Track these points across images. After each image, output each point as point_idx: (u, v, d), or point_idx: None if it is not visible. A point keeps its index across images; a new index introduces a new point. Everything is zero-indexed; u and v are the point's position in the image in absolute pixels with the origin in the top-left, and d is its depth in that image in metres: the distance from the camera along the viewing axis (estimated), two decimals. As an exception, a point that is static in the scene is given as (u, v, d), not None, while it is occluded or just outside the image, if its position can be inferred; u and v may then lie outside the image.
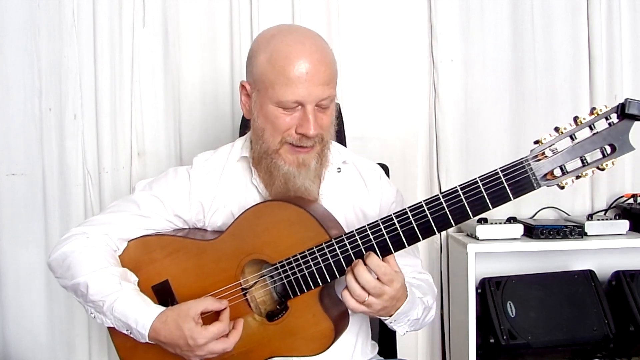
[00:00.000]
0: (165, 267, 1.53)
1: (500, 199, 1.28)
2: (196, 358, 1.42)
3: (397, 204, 1.65)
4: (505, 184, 1.26)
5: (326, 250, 1.38)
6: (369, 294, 1.33)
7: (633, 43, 2.61)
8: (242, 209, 1.47)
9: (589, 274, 2.42)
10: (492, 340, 2.31)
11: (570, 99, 2.56)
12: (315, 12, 2.46)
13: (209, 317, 1.43)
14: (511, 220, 2.44)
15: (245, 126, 1.76)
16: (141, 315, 1.41)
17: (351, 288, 1.34)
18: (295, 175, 1.49)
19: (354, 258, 1.37)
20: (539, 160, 1.25)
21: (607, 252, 2.48)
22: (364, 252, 1.36)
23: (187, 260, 1.51)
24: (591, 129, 1.23)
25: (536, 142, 1.26)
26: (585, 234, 2.38)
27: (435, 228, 1.32)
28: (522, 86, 2.57)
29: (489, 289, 2.36)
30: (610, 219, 2.44)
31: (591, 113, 1.23)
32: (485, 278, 2.39)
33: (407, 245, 1.35)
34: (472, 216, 1.30)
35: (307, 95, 1.42)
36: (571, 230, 2.35)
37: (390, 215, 1.35)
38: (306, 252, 1.40)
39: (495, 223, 2.39)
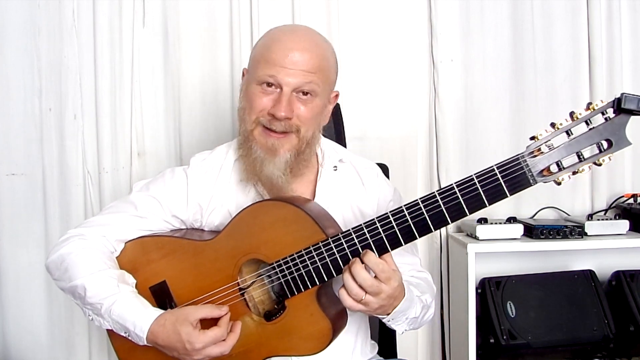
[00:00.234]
0: (162, 267, 1.53)
1: (496, 195, 1.27)
2: None
3: (394, 202, 1.65)
4: (501, 181, 1.26)
5: (323, 249, 1.38)
6: (366, 292, 1.33)
7: (633, 43, 2.61)
8: (240, 209, 1.47)
9: (589, 274, 2.42)
10: (492, 340, 2.30)
11: (570, 99, 2.55)
12: (315, 12, 2.46)
13: (208, 320, 1.44)
14: (511, 220, 2.43)
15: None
16: (139, 318, 1.41)
17: (348, 286, 1.33)
18: (263, 161, 1.50)
19: (350, 257, 1.36)
20: (535, 156, 1.25)
21: (607, 252, 2.47)
22: (361, 251, 1.35)
23: (184, 261, 1.51)
24: (587, 124, 1.23)
25: (532, 138, 1.25)
26: (585, 234, 2.37)
27: (431, 226, 1.32)
28: (522, 86, 2.57)
29: (489, 289, 2.36)
30: (610, 219, 2.43)
31: (587, 108, 1.22)
32: (485, 278, 2.38)
33: (403, 243, 1.35)
34: (468, 213, 1.29)
35: (285, 75, 1.46)
36: (571, 230, 2.35)
37: (387, 213, 1.35)
38: (303, 252, 1.40)
39: (495, 223, 2.39)
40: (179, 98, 2.46)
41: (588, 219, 2.42)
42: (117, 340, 1.51)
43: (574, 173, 1.25)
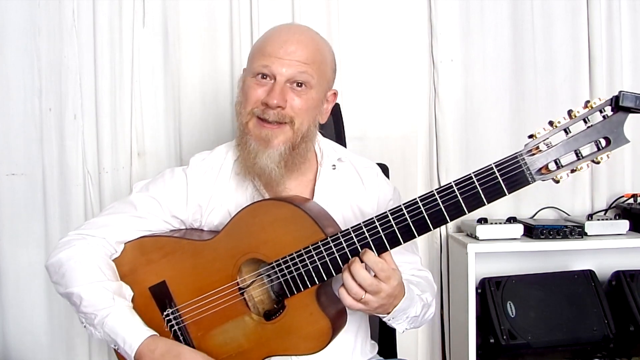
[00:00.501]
0: (162, 268, 1.53)
1: (495, 194, 1.27)
2: None
3: (394, 201, 1.65)
4: (500, 179, 1.26)
5: (322, 248, 1.38)
6: (365, 291, 1.33)
7: (633, 43, 2.61)
8: (239, 208, 1.47)
9: (589, 274, 2.42)
10: (492, 340, 2.30)
11: (570, 99, 2.55)
12: (315, 12, 2.46)
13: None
14: (511, 220, 2.43)
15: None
16: (130, 335, 1.42)
17: (348, 286, 1.33)
18: (257, 153, 1.50)
19: (350, 256, 1.36)
20: (534, 154, 1.25)
21: (607, 252, 2.47)
22: (360, 250, 1.35)
23: (184, 261, 1.51)
24: (585, 122, 1.23)
25: (530, 136, 1.25)
26: (585, 234, 2.37)
27: (430, 224, 1.32)
28: (522, 86, 2.57)
29: (489, 289, 2.36)
30: (610, 219, 2.43)
31: (585, 106, 1.22)
32: (485, 278, 2.38)
33: (403, 242, 1.34)
34: (467, 212, 1.29)
35: (279, 65, 1.47)
36: (571, 230, 2.35)
37: (386, 212, 1.34)
38: (302, 251, 1.40)
39: (495, 223, 2.39)
40: (179, 98, 2.46)
41: (588, 219, 2.42)
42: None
43: (573, 171, 1.24)
